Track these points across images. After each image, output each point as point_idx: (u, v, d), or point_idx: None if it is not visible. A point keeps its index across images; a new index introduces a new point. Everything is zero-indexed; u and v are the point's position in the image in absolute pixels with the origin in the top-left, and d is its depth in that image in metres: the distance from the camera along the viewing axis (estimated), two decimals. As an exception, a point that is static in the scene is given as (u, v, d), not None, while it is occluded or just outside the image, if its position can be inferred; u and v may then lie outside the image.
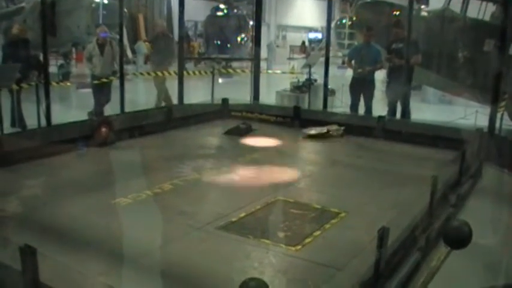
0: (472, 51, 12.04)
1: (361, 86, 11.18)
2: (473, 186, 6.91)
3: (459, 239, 1.11)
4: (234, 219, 4.99)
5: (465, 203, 6.14)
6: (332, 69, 13.08)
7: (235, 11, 28.09)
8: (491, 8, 12.25)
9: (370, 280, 3.53)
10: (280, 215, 5.28)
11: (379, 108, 11.47)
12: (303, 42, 39.06)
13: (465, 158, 6.27)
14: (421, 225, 4.58)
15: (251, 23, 25.63)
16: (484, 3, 12.37)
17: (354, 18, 19.20)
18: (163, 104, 12.94)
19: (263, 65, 21.23)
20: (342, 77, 16.75)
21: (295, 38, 40.58)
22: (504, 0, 9.19)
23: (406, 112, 10.56)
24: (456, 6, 12.71)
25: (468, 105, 13.06)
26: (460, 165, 6.13)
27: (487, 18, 12.43)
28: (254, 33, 12.49)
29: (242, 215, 5.12)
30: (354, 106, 11.33)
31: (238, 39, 27.14)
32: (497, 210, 6.12)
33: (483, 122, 8.98)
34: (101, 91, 12.28)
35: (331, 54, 12.77)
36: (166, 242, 4.44)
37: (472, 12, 12.52)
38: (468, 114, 12.54)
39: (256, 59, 11.87)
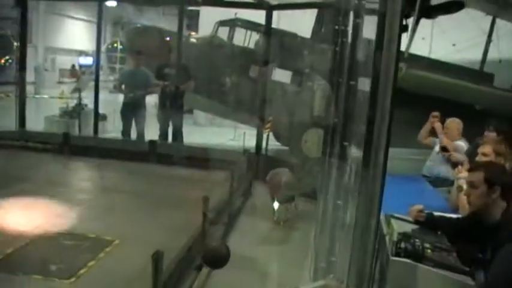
0: (239, 77, 12.71)
1: (133, 111, 11.15)
2: (244, 203, 7.32)
3: (217, 259, 1.17)
4: (0, 257, 4.67)
5: (236, 220, 6.48)
6: (104, 94, 12.90)
7: (-3, 30, 26.41)
8: (256, 36, 13.04)
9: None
10: (52, 247, 5.05)
11: (152, 133, 11.54)
12: (73, 66, 37.98)
13: (234, 178, 6.60)
14: (196, 245, 4.72)
15: (16, 44, 24.23)
16: (249, 32, 13.15)
17: (125, 43, 19.19)
18: None
19: (30, 89, 20.17)
20: (114, 101, 16.53)
21: (65, 61, 39.28)
22: (266, 30, 9.89)
23: (178, 135, 10.81)
24: (224, 34, 13.33)
25: (237, 127, 13.75)
26: (230, 185, 6.43)
27: (252, 46, 13.22)
28: (19, 55, 11.83)
29: (9, 251, 4.81)
30: (126, 131, 11.25)
31: (2, 61, 25.51)
32: (265, 225, 6.55)
33: (252, 142, 9.53)
34: None
35: (103, 78, 12.59)
36: None
37: (239, 40, 13.25)
38: (237, 135, 13.20)
39: (21, 83, 11.25)
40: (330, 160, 4.67)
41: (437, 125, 7.27)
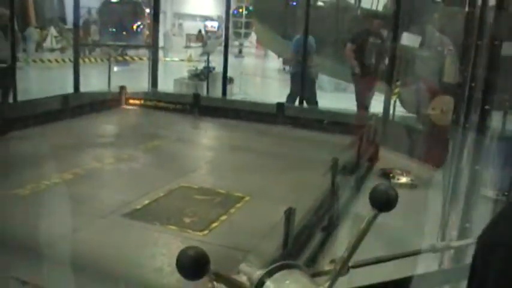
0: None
1: (301, 77, 10.91)
2: (371, 168, 7.25)
3: (386, 202, 1.19)
4: (138, 207, 4.94)
5: (364, 184, 6.43)
6: (230, 58, 13.15)
7: (130, -3, 27.50)
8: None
9: (279, 259, 3.62)
10: (184, 201, 5.28)
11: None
12: (200, 31, 38.94)
13: (361, 142, 6.55)
14: (324, 206, 4.75)
15: (147, 10, 25.12)
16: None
17: (253, 8, 19.33)
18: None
19: (159, 53, 20.94)
20: (239, 65, 16.83)
21: (192, 27, 40.37)
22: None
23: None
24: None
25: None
26: (357, 149, 6.38)
27: (380, 9, 12.87)
28: (152, 21, 12.31)
29: (146, 202, 5.08)
30: (292, 96, 11.04)
31: (134, 26, 26.54)
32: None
33: (377, 108, 9.35)
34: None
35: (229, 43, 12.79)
36: (72, 232, 4.32)
37: (366, 3, 12.94)
38: (362, 101, 12.96)
39: (154, 46, 11.73)
40: (465, 126, 4.48)
41: None
